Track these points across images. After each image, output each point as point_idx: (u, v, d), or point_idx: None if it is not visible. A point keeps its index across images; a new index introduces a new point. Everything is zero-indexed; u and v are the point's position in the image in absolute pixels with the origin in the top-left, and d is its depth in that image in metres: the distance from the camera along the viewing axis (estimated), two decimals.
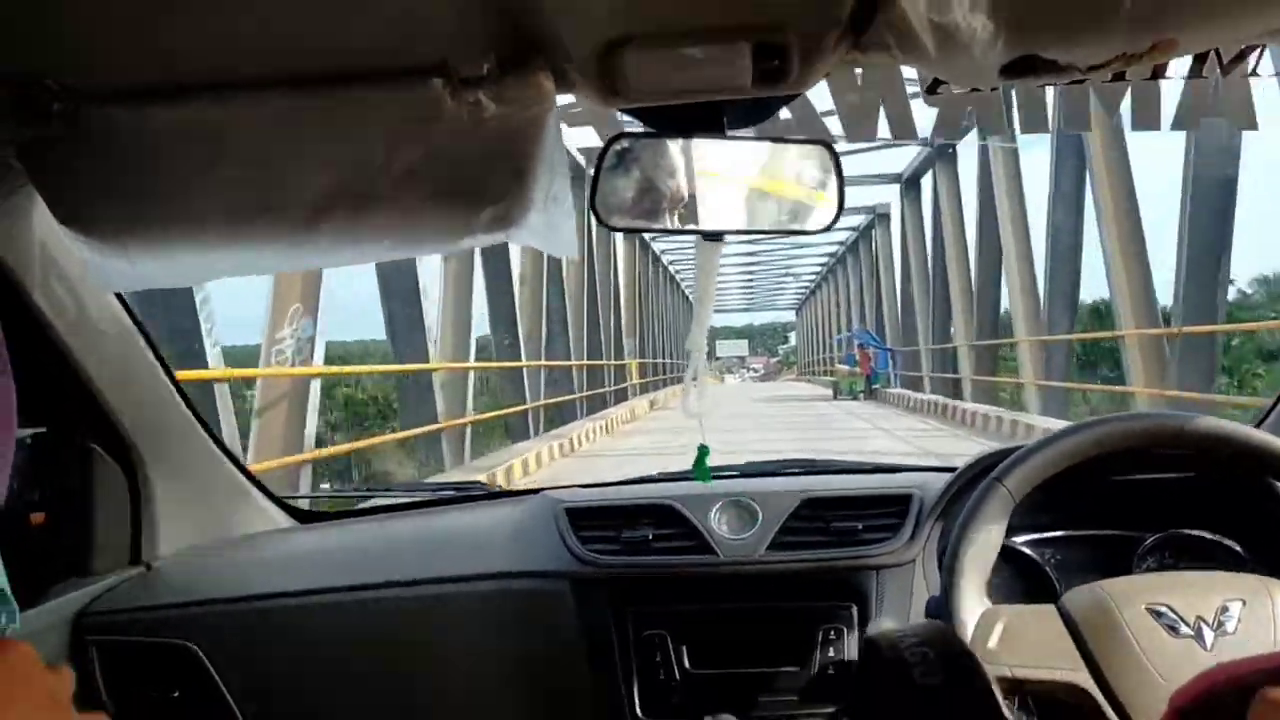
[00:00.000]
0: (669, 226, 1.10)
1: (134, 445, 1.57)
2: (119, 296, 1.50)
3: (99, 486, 1.56)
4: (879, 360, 27.80)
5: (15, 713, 0.52)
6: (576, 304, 20.11)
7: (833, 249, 44.95)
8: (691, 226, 1.10)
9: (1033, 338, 15.33)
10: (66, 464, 1.53)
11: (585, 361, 20.29)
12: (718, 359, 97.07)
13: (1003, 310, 18.23)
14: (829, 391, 30.30)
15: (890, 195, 27.99)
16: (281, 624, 1.59)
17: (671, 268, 46.34)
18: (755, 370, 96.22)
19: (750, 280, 67.12)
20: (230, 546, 1.77)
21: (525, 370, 15.74)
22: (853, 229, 37.22)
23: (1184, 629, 1.16)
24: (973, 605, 1.21)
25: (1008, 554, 1.46)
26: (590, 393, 20.84)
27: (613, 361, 23.69)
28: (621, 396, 24.80)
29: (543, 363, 17.05)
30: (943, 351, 22.27)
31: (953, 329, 20.82)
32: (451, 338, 13.29)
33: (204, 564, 1.69)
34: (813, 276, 59.51)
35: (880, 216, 30.11)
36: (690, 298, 49.75)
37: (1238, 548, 1.48)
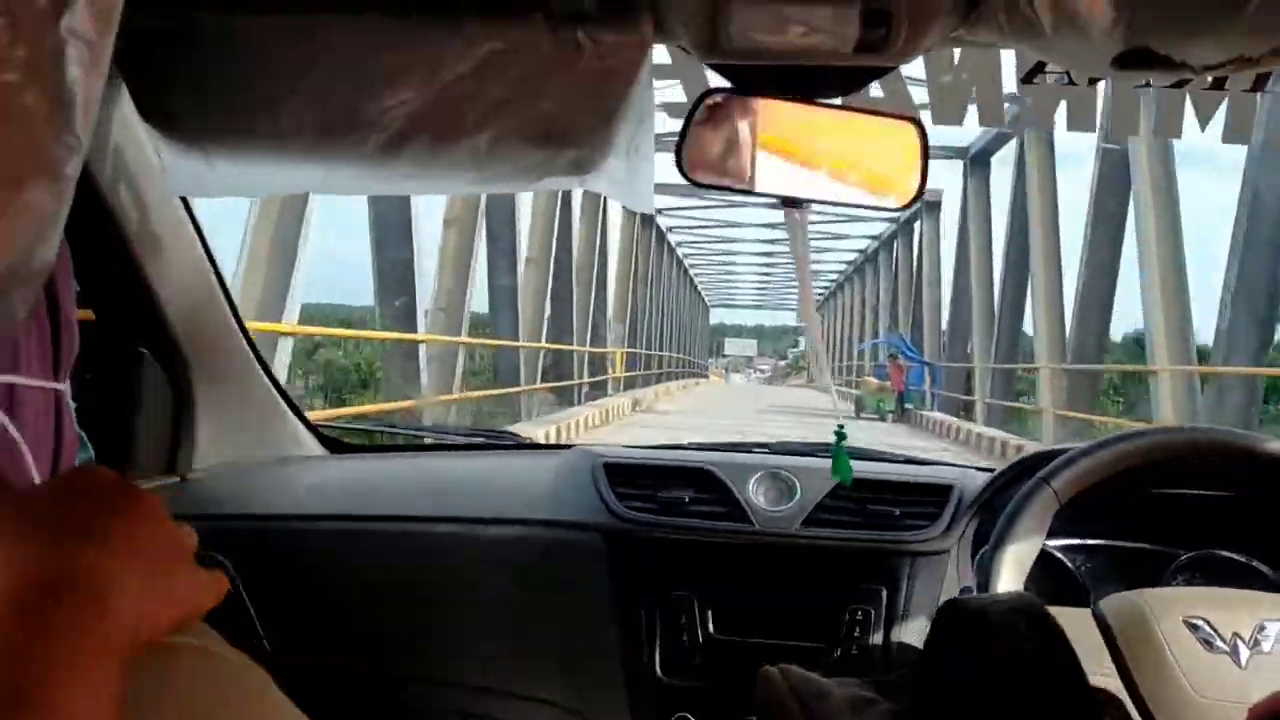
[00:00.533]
0: (750, 188, 1.10)
1: (183, 354, 1.58)
2: (187, 207, 1.50)
3: (143, 391, 1.56)
4: (912, 375, 23.13)
5: (152, 559, 0.53)
6: (539, 271, 16.00)
7: (863, 245, 41.91)
8: (774, 191, 1.10)
9: (1171, 367, 11.23)
10: (117, 365, 1.54)
11: (542, 344, 15.87)
12: (724, 356, 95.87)
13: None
14: (847, 406, 24.00)
15: (943, 181, 25.08)
16: (311, 547, 1.60)
17: (680, 249, 43.31)
18: (762, 371, 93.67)
19: (765, 278, 63.69)
20: (264, 467, 1.77)
21: (424, 348, 11.07)
22: (891, 220, 33.50)
23: (1219, 644, 1.15)
24: None
25: (1041, 556, 1.46)
26: (550, 385, 16.49)
27: (587, 348, 19.54)
28: (598, 391, 20.21)
29: (462, 339, 12.27)
30: (1007, 373, 17.95)
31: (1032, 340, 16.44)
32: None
33: (238, 481, 1.70)
34: (835, 275, 55.69)
35: (929, 205, 25.07)
36: (698, 288, 49.08)
37: (1269, 572, 1.47)
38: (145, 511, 0.54)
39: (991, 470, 1.63)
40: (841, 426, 1.43)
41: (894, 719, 0.86)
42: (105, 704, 0.47)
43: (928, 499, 1.57)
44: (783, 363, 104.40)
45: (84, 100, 0.52)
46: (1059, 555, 1.50)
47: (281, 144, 1.10)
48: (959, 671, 0.85)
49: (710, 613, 1.51)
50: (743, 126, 1.08)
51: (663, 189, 20.67)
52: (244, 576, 1.55)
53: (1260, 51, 0.88)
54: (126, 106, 1.18)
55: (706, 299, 56.92)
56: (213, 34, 1.02)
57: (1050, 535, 1.42)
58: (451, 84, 1.04)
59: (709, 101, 1.07)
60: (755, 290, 69.97)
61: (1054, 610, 1.23)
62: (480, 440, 2.05)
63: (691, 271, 48.32)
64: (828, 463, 1.70)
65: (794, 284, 61.46)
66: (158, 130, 1.11)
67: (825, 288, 58.12)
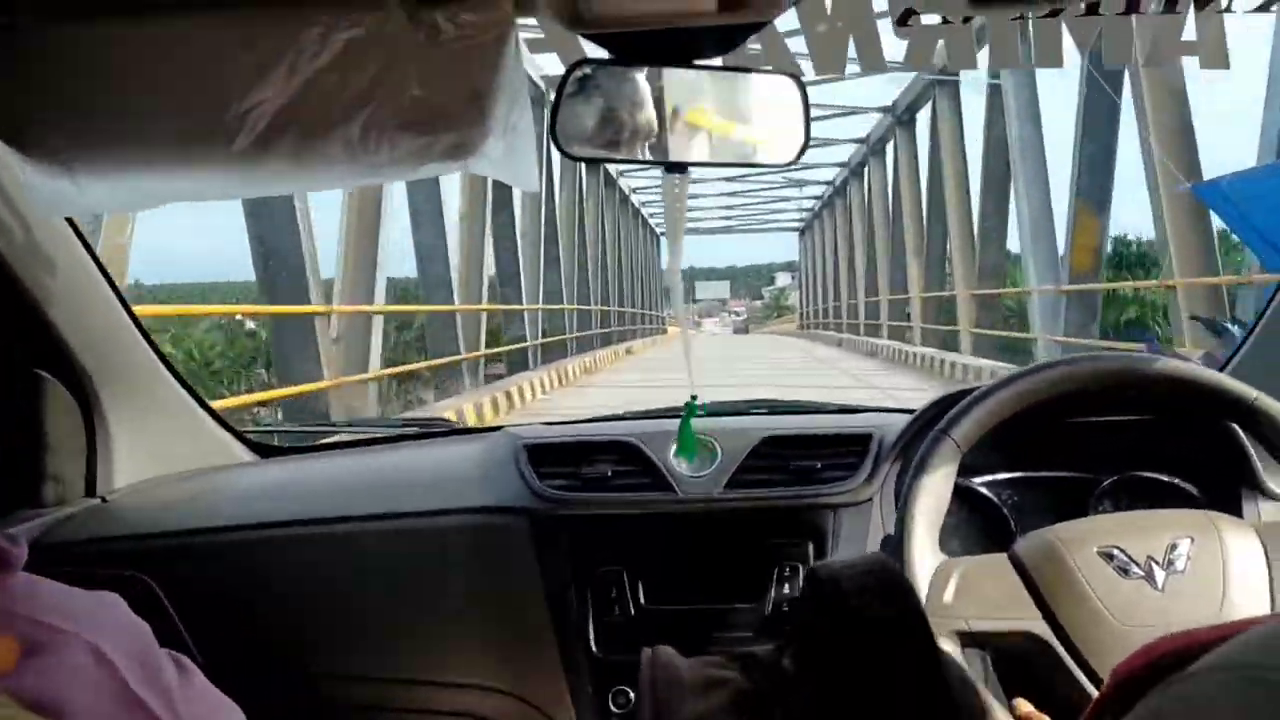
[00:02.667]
0: (631, 157, 1.08)
1: (88, 374, 1.54)
2: (70, 222, 1.46)
3: (51, 416, 1.53)
4: None
5: None
6: (471, 225, 15.05)
7: (831, 174, 37.78)
8: (654, 158, 1.08)
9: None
10: (17, 393, 1.50)
11: (482, 306, 15.10)
12: (696, 301, 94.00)
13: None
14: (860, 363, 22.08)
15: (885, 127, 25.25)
16: (237, 557, 1.58)
17: (644, 209, 41.96)
18: (738, 314, 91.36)
19: (732, 211, 53.07)
20: (187, 479, 1.74)
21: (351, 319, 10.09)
22: (841, 165, 33.55)
23: (1135, 570, 1.17)
24: (926, 557, 1.22)
25: (965, 495, 1.47)
26: (495, 350, 15.83)
27: (539, 307, 18.46)
28: (557, 353, 19.70)
29: (379, 308, 11.19)
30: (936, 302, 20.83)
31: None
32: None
33: (160, 496, 1.67)
34: (812, 204, 45.98)
35: (902, 121, 24.27)
36: (649, 222, 42.63)
37: (1193, 489, 1.50)
38: None
39: (912, 412, 1.63)
40: (694, 396, 1.42)
41: (740, 698, 0.86)
42: None
43: (848, 449, 1.58)
44: (758, 303, 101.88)
45: None
46: (984, 491, 1.52)
47: (146, 155, 1.07)
48: (815, 641, 0.85)
49: (640, 584, 1.51)
50: (617, 96, 1.06)
51: None
52: (173, 594, 1.52)
53: None
54: None
55: (658, 229, 45.20)
56: (61, 49, 0.99)
57: (972, 473, 1.43)
58: (313, 78, 1.01)
59: (579, 73, 1.05)
60: (723, 223, 58.41)
61: (973, 560, 1.25)
62: (410, 430, 2.03)
63: (652, 222, 43.69)
64: (750, 422, 1.71)
65: (773, 211, 53.39)
66: (18, 152, 1.07)
67: (809, 209, 48.44)
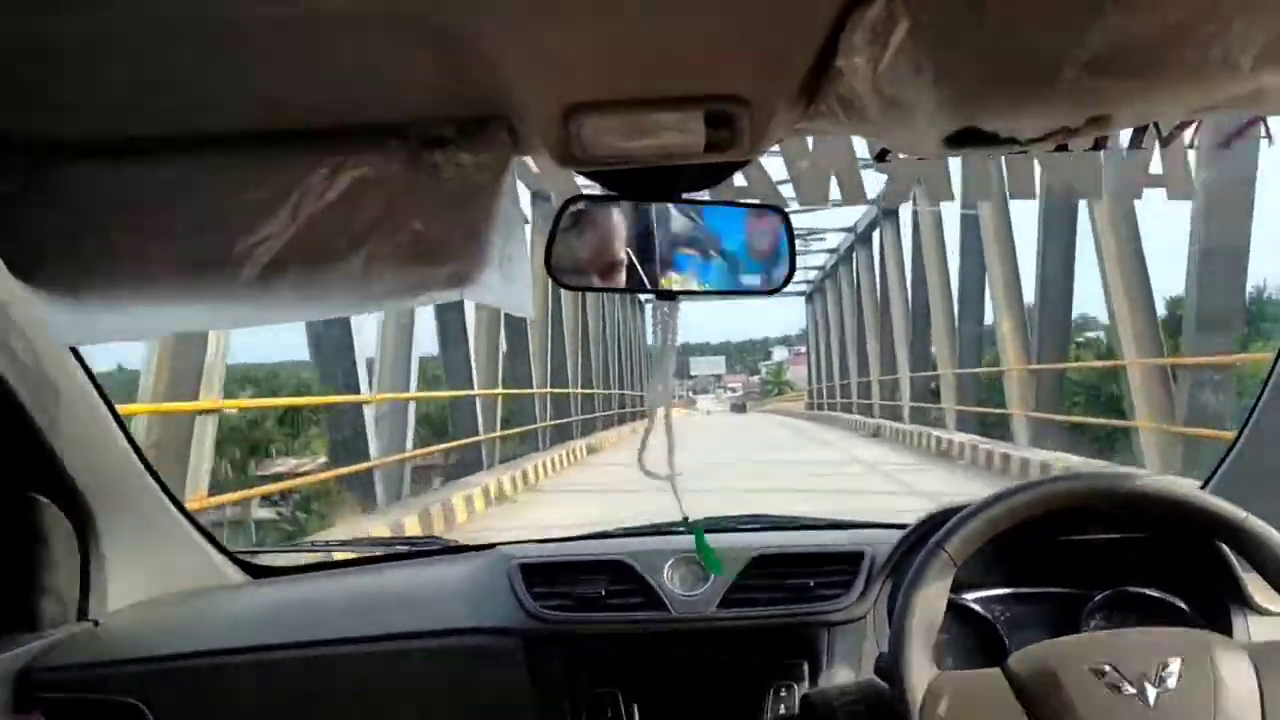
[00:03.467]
0: (624, 286, 1.12)
1: (84, 498, 1.55)
2: (72, 348, 1.49)
3: (46, 540, 1.54)
4: None
5: None
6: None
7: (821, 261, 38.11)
8: (647, 287, 1.12)
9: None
10: (13, 517, 1.51)
11: (498, 390, 14.48)
12: (691, 377, 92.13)
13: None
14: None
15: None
16: (231, 681, 1.57)
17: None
18: (733, 390, 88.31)
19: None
20: (180, 601, 1.74)
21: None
22: (848, 230, 31.98)
23: (1127, 688, 1.17)
24: (921, 672, 1.22)
25: (958, 611, 1.48)
26: (511, 432, 15.08)
27: (492, 391, 15.20)
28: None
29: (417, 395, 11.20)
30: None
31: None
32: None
33: (153, 620, 1.66)
34: (824, 259, 39.34)
35: (887, 212, 24.42)
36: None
37: (1183, 605, 1.51)
38: None
39: (904, 527, 1.65)
40: (696, 523, 1.43)
41: None
42: None
43: (841, 567, 1.58)
44: (754, 379, 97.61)
45: None
46: (977, 608, 1.52)
47: (154, 287, 1.10)
48: None
49: (636, 706, 1.50)
50: (610, 229, 1.11)
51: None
52: (165, 718, 1.51)
53: (1078, 122, 0.93)
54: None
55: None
56: (73, 188, 1.03)
57: (965, 589, 1.44)
58: (319, 213, 1.05)
59: (573, 209, 1.10)
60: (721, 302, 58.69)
61: (966, 676, 1.25)
62: (402, 549, 2.03)
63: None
64: (744, 539, 1.72)
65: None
66: (31, 285, 1.10)
67: (816, 276, 42.90)
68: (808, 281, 44.78)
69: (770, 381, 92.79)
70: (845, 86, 0.89)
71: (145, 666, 1.55)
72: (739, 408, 66.26)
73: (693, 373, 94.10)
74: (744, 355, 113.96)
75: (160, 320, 1.22)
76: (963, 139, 0.95)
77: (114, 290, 1.11)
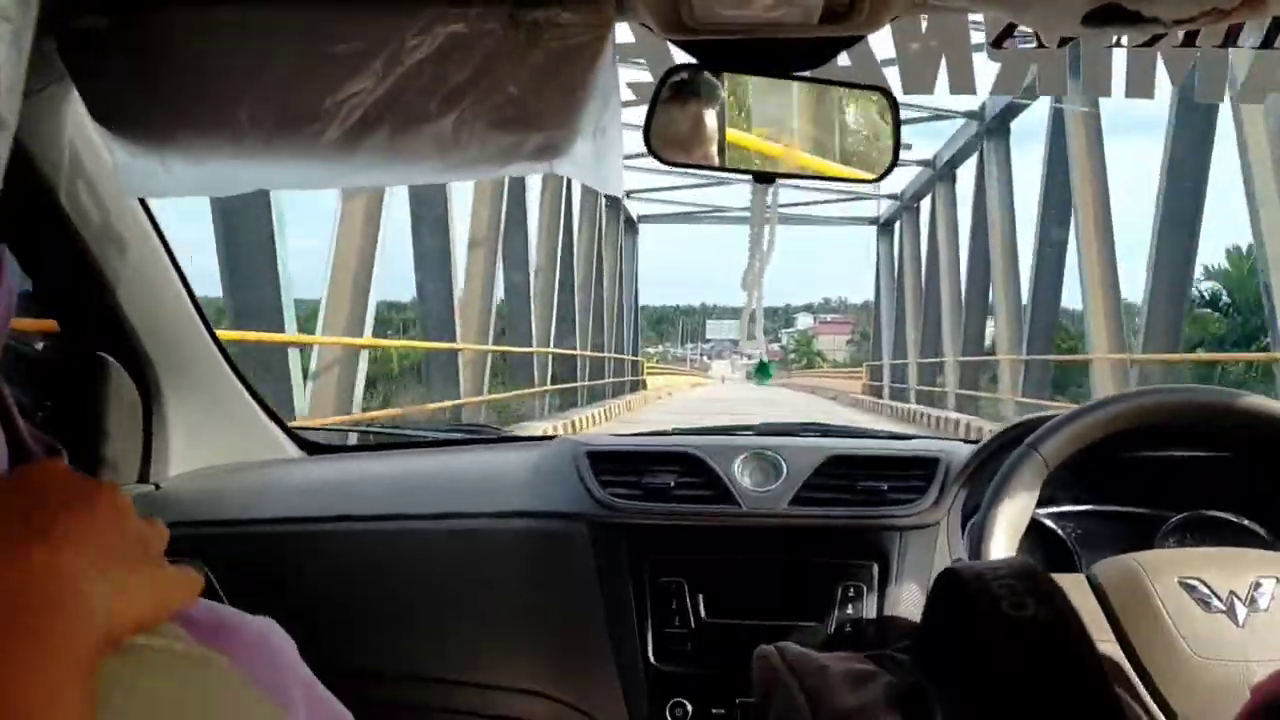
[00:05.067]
0: (721, 164, 1.08)
1: (150, 360, 1.55)
2: (146, 209, 1.47)
3: (111, 399, 1.53)
4: None
5: (116, 558, 0.51)
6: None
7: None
8: (744, 166, 1.08)
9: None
10: (79, 373, 1.51)
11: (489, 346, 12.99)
12: (706, 341, 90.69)
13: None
14: None
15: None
16: (289, 548, 1.58)
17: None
18: (750, 357, 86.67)
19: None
20: (239, 471, 1.75)
21: None
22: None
23: (1216, 603, 1.15)
24: None
25: (1031, 525, 1.45)
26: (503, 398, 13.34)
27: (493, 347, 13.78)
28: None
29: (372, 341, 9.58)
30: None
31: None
32: None
33: (212, 486, 1.67)
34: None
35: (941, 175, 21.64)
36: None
37: (1262, 531, 1.47)
38: (106, 508, 0.52)
39: (977, 442, 1.62)
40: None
41: (895, 690, 0.84)
42: (74, 710, 0.45)
43: (915, 472, 1.56)
44: (776, 346, 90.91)
45: (7, 81, 0.50)
46: (1049, 523, 1.49)
47: (237, 141, 1.07)
48: (961, 642, 0.83)
49: (701, 597, 1.49)
50: (710, 103, 1.06)
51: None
52: (223, 582, 1.52)
53: (1233, 3, 0.86)
54: (78, 107, 1.14)
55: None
56: (160, 32, 1.00)
57: (1039, 504, 1.41)
58: (410, 71, 1.01)
59: (675, 79, 1.05)
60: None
61: (1049, 576, 1.23)
62: (459, 436, 2.02)
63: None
64: (814, 442, 1.69)
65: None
66: (110, 131, 1.08)
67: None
68: (896, 198, 29.64)
69: (798, 350, 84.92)
70: None
71: (206, 530, 1.56)
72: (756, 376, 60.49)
73: (708, 336, 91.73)
74: (764, 321, 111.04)
75: (240, 177, 1.18)
76: (1102, 17, 0.88)
77: (195, 141, 1.09)
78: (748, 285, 1.13)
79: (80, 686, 0.45)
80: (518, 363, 15.67)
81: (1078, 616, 0.82)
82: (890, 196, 30.00)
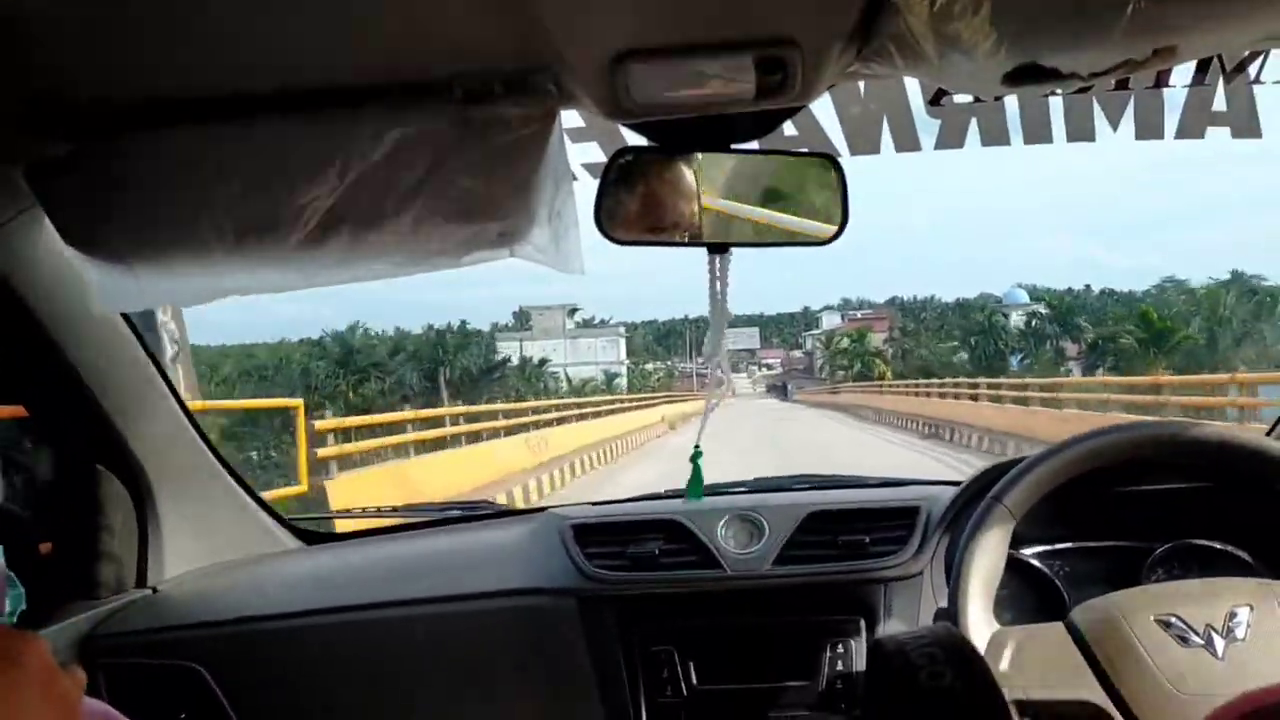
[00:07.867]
0: (674, 239, 1.10)
1: (142, 468, 1.57)
2: (126, 318, 1.50)
3: (106, 509, 1.56)
4: None
5: (27, 709, 0.52)
6: None
7: None
8: (697, 240, 1.10)
9: None
10: (74, 486, 1.53)
11: None
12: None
13: None
14: None
15: None
16: (287, 644, 1.59)
17: None
18: (769, 366, 76.40)
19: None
20: (236, 568, 1.76)
21: None
22: None
23: (1194, 638, 1.15)
24: (981, 626, 1.20)
25: (1017, 566, 1.45)
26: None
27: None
28: None
29: None
30: None
31: None
32: None
33: (210, 586, 1.68)
34: None
35: None
36: None
37: (1246, 556, 1.47)
38: (36, 667, 0.54)
39: (958, 484, 1.62)
40: (696, 446, 1.36)
41: None
42: None
43: (896, 523, 1.57)
44: (797, 353, 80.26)
45: None
46: (1036, 563, 1.50)
47: (205, 252, 1.10)
48: (891, 711, 0.85)
49: (691, 664, 1.50)
50: (660, 181, 1.09)
51: None
52: (223, 681, 1.53)
53: (1144, 54, 0.89)
54: (49, 232, 1.18)
55: None
56: (122, 153, 1.03)
57: (1023, 544, 1.42)
58: (365, 174, 1.04)
59: (621, 161, 1.08)
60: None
61: (1028, 629, 1.23)
62: (454, 514, 2.04)
63: None
64: (797, 497, 1.70)
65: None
66: (81, 251, 1.11)
67: None
68: None
69: (847, 353, 56.38)
70: (901, 24, 0.86)
71: (203, 631, 1.57)
72: (779, 391, 52.12)
73: None
74: (780, 328, 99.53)
75: (210, 285, 1.21)
76: (1023, 75, 0.92)
77: (164, 255, 1.12)
78: (708, 353, 1.15)
79: None
80: None
81: (993, 684, 0.83)
82: None
